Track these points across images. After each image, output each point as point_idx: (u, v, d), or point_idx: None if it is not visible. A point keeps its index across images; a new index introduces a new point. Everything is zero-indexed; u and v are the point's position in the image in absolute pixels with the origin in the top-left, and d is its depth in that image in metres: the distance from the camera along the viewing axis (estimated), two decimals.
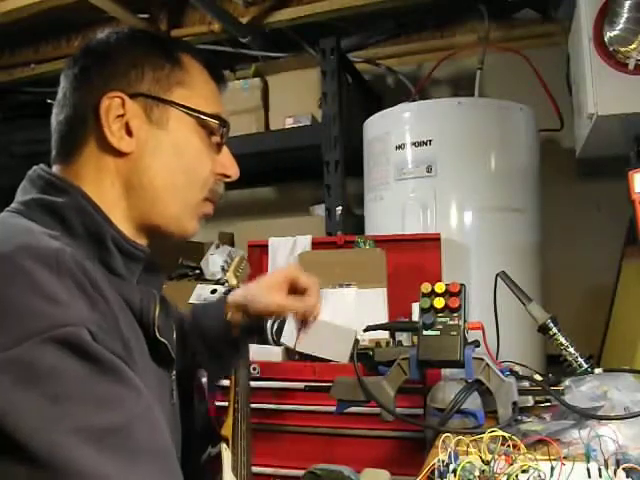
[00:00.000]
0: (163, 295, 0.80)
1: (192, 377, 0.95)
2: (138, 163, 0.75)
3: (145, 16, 2.41)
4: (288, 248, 1.91)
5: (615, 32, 1.51)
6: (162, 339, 0.74)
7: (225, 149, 0.83)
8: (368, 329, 1.26)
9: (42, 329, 0.54)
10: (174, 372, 0.80)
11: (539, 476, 0.67)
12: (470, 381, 0.97)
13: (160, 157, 0.76)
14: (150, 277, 0.80)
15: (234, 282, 1.24)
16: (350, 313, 1.67)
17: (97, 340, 0.57)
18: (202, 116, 0.78)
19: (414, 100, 2.35)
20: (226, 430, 0.87)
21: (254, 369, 1.51)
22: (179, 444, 0.80)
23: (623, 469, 0.67)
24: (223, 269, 1.33)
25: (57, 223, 0.69)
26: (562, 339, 1.16)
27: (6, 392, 0.51)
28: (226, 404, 1.02)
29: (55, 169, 0.76)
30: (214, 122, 0.79)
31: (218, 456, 0.86)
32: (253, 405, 1.24)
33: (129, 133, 0.74)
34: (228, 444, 0.85)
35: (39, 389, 0.52)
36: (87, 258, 0.66)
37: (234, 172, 0.83)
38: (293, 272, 1.04)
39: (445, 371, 1.19)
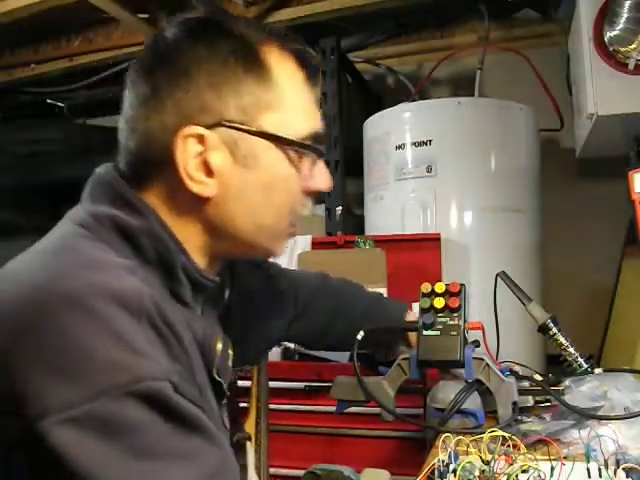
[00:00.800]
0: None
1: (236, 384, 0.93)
2: (220, 207, 0.66)
3: (145, 16, 2.41)
4: (288, 248, 1.91)
5: (615, 32, 1.50)
6: (219, 379, 0.70)
7: (319, 162, 0.72)
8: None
9: (124, 383, 0.51)
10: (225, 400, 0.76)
11: (539, 476, 0.67)
12: (470, 381, 0.97)
13: (246, 199, 0.66)
14: (209, 307, 0.75)
15: None
16: None
17: (178, 391, 0.54)
18: (298, 143, 0.67)
19: (414, 100, 2.35)
20: (249, 427, 0.87)
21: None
22: None
23: (623, 469, 0.67)
24: None
25: (129, 246, 0.62)
26: (562, 339, 1.16)
27: (89, 447, 0.49)
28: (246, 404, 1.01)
29: (123, 176, 0.67)
30: (312, 146, 0.69)
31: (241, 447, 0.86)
32: None
33: (209, 172, 0.64)
34: (251, 441, 0.84)
35: (123, 444, 0.50)
36: (158, 285, 0.62)
37: (327, 186, 0.74)
38: None
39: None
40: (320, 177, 0.72)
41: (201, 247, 0.69)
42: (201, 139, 0.63)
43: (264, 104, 0.65)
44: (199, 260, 0.69)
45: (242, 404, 1.02)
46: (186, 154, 0.63)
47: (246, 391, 0.95)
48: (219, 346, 0.69)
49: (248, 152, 0.65)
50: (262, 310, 0.93)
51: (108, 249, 0.61)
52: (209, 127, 0.63)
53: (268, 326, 0.96)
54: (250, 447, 0.84)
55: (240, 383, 1.22)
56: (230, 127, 0.64)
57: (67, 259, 0.58)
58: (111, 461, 0.49)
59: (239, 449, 0.82)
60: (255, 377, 0.97)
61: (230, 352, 0.75)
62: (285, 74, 0.67)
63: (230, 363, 0.75)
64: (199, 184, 0.64)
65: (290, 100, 0.67)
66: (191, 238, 0.68)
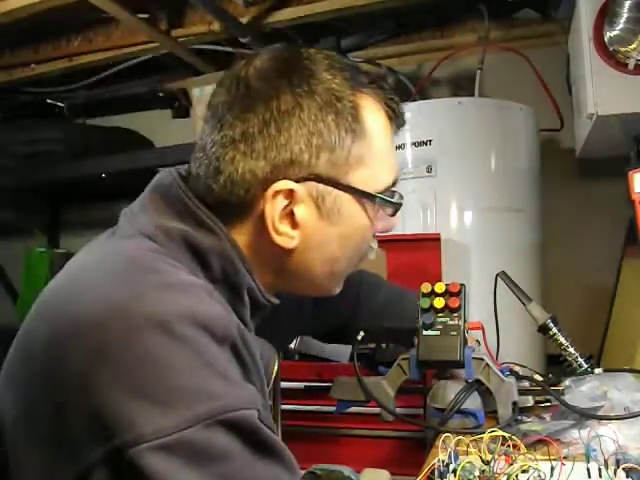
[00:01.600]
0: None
1: None
2: (299, 257, 0.67)
3: (145, 16, 2.41)
4: None
5: (615, 32, 1.50)
6: (270, 403, 0.73)
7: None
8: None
9: (218, 411, 0.51)
10: None
11: (539, 476, 0.67)
12: (470, 381, 0.97)
13: (324, 250, 0.67)
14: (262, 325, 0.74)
15: None
16: None
17: (262, 420, 0.55)
18: (380, 197, 0.67)
19: (414, 100, 2.35)
20: None
21: None
22: None
23: (623, 469, 0.67)
24: None
25: (197, 264, 0.62)
26: (562, 339, 1.16)
27: (180, 474, 0.49)
28: None
29: (192, 186, 0.66)
30: (393, 201, 0.69)
31: None
32: None
33: (294, 224, 0.64)
34: None
35: (212, 471, 0.50)
36: (225, 303, 0.62)
37: (394, 228, 0.75)
38: None
39: None
40: (392, 220, 0.72)
41: (267, 282, 0.69)
42: (290, 193, 0.63)
43: (355, 160, 0.64)
44: (263, 284, 0.68)
45: None
46: (275, 208, 0.62)
47: None
48: (275, 368, 0.72)
49: (333, 206, 0.65)
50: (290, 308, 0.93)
51: (179, 265, 0.60)
52: (299, 180, 0.62)
53: (295, 322, 0.98)
54: None
55: None
56: (320, 181, 0.63)
57: (146, 279, 0.56)
58: None
59: None
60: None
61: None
62: (378, 129, 0.67)
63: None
64: (284, 236, 0.64)
65: (379, 154, 0.67)
66: (261, 276, 0.67)
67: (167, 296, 0.54)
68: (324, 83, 0.64)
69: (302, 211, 0.64)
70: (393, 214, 0.72)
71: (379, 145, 0.67)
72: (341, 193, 0.64)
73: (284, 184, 0.62)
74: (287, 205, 0.63)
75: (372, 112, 0.67)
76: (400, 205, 0.71)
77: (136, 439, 0.48)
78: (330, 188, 0.64)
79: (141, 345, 0.50)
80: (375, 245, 0.74)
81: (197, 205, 0.64)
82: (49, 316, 0.57)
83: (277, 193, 0.62)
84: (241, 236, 0.66)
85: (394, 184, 0.70)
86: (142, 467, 0.48)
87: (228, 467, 0.51)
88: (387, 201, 0.68)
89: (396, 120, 0.71)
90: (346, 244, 0.68)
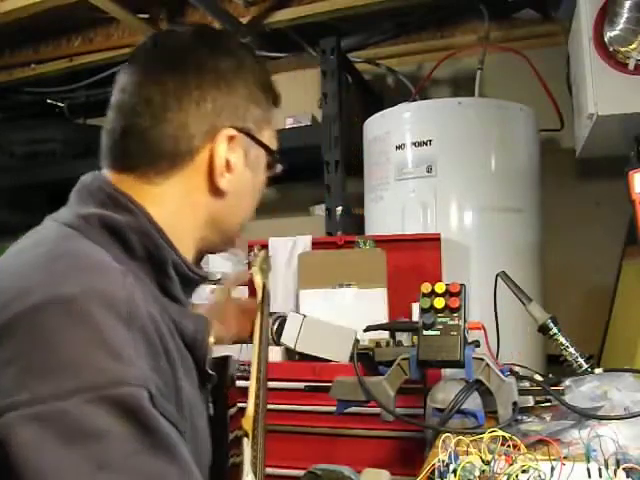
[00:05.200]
0: None
1: (223, 378, 0.94)
2: (228, 202, 0.73)
3: (145, 16, 2.41)
4: (288, 248, 1.91)
5: (615, 32, 1.51)
6: (212, 373, 0.72)
7: None
8: (368, 329, 1.26)
9: (99, 385, 0.50)
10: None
11: (539, 476, 0.67)
12: (470, 381, 0.97)
13: (244, 197, 0.76)
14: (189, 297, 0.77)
15: (258, 278, 1.24)
16: (350, 313, 1.67)
17: (155, 404, 0.52)
18: (275, 156, 0.78)
19: (414, 100, 2.35)
20: (246, 424, 0.87)
21: None
22: (210, 453, 0.77)
23: (623, 469, 0.67)
24: (248, 264, 1.32)
25: (118, 244, 0.64)
26: (562, 339, 1.16)
27: (46, 447, 0.47)
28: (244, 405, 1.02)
29: (113, 179, 0.69)
30: (280, 160, 0.80)
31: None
32: None
33: (229, 171, 0.72)
34: (248, 437, 0.85)
35: (84, 450, 0.48)
36: (147, 281, 0.64)
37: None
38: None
39: (445, 371, 1.19)
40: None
41: (194, 245, 0.73)
42: (232, 139, 0.71)
43: (267, 120, 0.76)
44: (189, 256, 0.72)
45: (241, 404, 1.02)
46: (221, 149, 0.70)
47: (246, 390, 0.95)
48: (211, 340, 0.72)
49: (256, 157, 0.75)
50: None
51: (99, 248, 0.62)
52: (237, 131, 0.72)
53: None
54: (247, 444, 0.84)
55: (241, 383, 1.23)
56: (248, 135, 0.73)
57: (66, 263, 0.58)
58: (68, 465, 0.47)
59: (236, 445, 0.83)
60: (254, 375, 0.97)
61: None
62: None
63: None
64: (222, 178, 0.71)
65: (273, 120, 0.79)
66: (188, 235, 0.72)
67: (82, 278, 0.56)
68: (248, 58, 0.76)
69: (235, 158, 0.72)
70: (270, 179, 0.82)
71: (273, 113, 0.79)
72: (259, 147, 0.75)
73: (230, 131, 0.71)
74: (227, 151, 0.71)
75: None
76: (278, 171, 0.81)
77: (9, 405, 0.48)
78: (254, 141, 0.74)
79: (48, 323, 0.52)
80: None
81: (113, 187, 0.68)
82: None
83: (224, 137, 0.70)
84: (179, 191, 0.70)
85: (280, 160, 0.81)
86: (10, 435, 0.47)
87: (104, 450, 0.48)
88: (277, 162, 0.79)
89: (277, 95, 0.81)
90: (254, 195, 0.78)
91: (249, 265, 1.30)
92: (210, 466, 0.75)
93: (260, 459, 0.87)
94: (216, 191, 0.71)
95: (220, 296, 1.21)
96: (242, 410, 0.90)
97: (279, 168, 0.81)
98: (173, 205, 0.70)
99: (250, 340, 1.25)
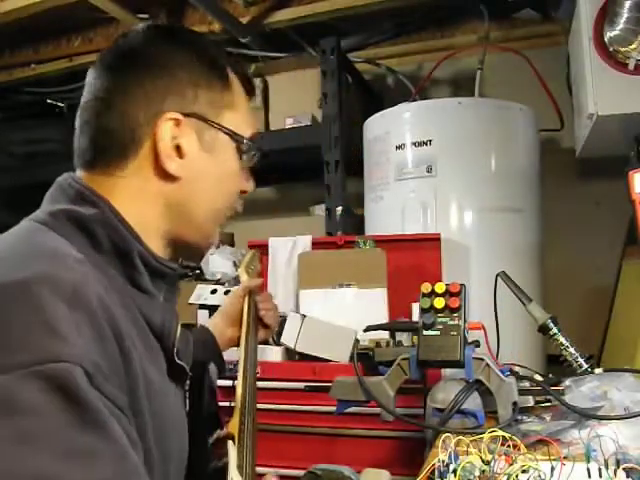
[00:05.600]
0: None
1: (202, 380, 0.95)
2: (184, 188, 0.73)
3: (145, 16, 2.41)
4: (288, 248, 1.91)
5: (615, 32, 1.51)
6: (181, 362, 0.74)
7: (248, 168, 0.83)
8: (368, 329, 1.26)
9: (32, 361, 0.50)
10: (188, 382, 0.80)
11: (539, 476, 0.67)
12: (470, 381, 0.97)
13: (205, 183, 0.75)
14: (170, 293, 0.78)
15: (245, 278, 1.24)
16: (350, 313, 1.67)
17: (93, 382, 0.53)
18: (245, 141, 0.77)
19: (414, 100, 2.35)
20: (232, 428, 0.87)
21: None
22: (186, 447, 0.79)
23: (623, 469, 0.67)
24: (235, 265, 1.33)
25: (85, 237, 0.66)
26: (562, 339, 1.16)
27: None
28: (228, 404, 1.02)
29: (84, 177, 0.72)
30: (253, 146, 0.79)
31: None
32: None
33: (180, 155, 0.72)
34: (234, 441, 0.85)
35: (10, 423, 0.48)
36: (113, 274, 0.65)
37: (251, 187, 0.84)
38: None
39: (445, 371, 1.19)
40: (249, 180, 0.83)
41: (159, 235, 0.74)
42: (178, 123, 0.71)
43: (225, 103, 0.76)
44: (156, 247, 0.73)
45: (225, 403, 1.03)
46: (166, 134, 0.71)
47: (233, 390, 0.96)
48: (179, 330, 0.73)
49: (212, 140, 0.75)
50: None
51: (65, 244, 0.64)
52: (185, 115, 0.72)
53: None
54: (232, 446, 0.84)
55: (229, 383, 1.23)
56: (201, 118, 0.73)
57: (21, 250, 0.62)
58: None
59: (219, 447, 0.83)
60: (241, 375, 0.97)
61: (191, 337, 0.83)
62: (237, 85, 0.79)
63: (191, 347, 0.82)
64: (172, 163, 0.71)
65: (241, 106, 0.79)
66: (150, 225, 0.72)
67: (30, 263, 0.58)
68: (205, 45, 0.78)
69: (186, 142, 0.72)
70: (251, 168, 0.82)
71: (240, 99, 0.79)
72: (217, 130, 0.75)
73: (173, 114, 0.71)
74: (175, 136, 0.71)
75: (233, 74, 0.79)
76: (257, 158, 0.81)
77: None
78: (208, 125, 0.74)
79: None
80: (240, 202, 0.84)
81: (81, 184, 0.70)
82: None
83: (167, 120, 0.71)
84: (133, 182, 0.72)
85: (254, 142, 0.80)
86: None
87: (32, 423, 0.49)
88: (250, 147, 0.78)
89: (249, 87, 0.83)
90: (222, 180, 0.77)
91: (236, 265, 1.31)
92: (190, 464, 0.78)
93: (249, 462, 0.87)
94: (167, 176, 0.72)
95: (235, 300, 1.22)
96: (230, 410, 0.91)
97: (256, 155, 0.80)
98: (132, 196, 0.71)
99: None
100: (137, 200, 0.72)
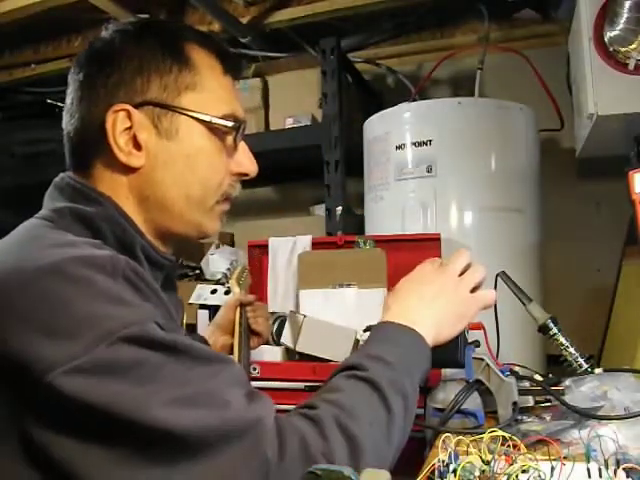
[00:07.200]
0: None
1: None
2: (150, 177, 0.73)
3: (145, 16, 2.41)
4: (288, 248, 1.91)
5: (615, 32, 1.50)
6: None
7: (242, 146, 0.80)
8: (368, 329, 1.25)
9: (113, 330, 0.56)
10: None
11: (539, 476, 0.67)
12: (470, 381, 0.97)
13: (172, 170, 0.74)
14: (169, 282, 0.81)
15: (237, 290, 1.26)
16: (350, 313, 1.67)
17: (165, 329, 0.60)
18: (214, 120, 0.75)
19: (414, 100, 2.35)
20: None
21: (254, 369, 1.51)
22: None
23: (623, 469, 0.67)
24: (226, 277, 1.33)
25: (89, 232, 0.69)
26: (562, 339, 1.16)
27: (95, 389, 0.54)
28: None
29: (78, 177, 0.75)
30: (227, 124, 0.76)
31: None
32: None
33: (138, 147, 0.72)
34: None
35: (128, 377, 0.55)
36: None
37: (252, 170, 0.81)
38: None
39: (445, 371, 1.19)
40: (244, 160, 0.80)
41: (145, 227, 0.75)
42: (128, 115, 0.71)
43: (183, 85, 0.74)
44: (153, 241, 0.75)
45: None
46: (116, 128, 0.71)
47: None
48: (184, 320, 0.79)
49: (169, 126, 0.73)
50: None
51: (70, 235, 0.66)
52: (136, 106, 0.72)
53: None
54: None
55: None
56: (154, 105, 0.72)
57: (35, 244, 0.63)
58: (119, 394, 0.54)
59: None
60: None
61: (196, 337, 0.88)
62: (204, 64, 0.76)
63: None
64: (128, 155, 0.72)
65: (209, 83, 0.76)
66: (135, 216, 0.74)
67: (54, 251, 0.61)
68: (159, 33, 0.77)
69: (142, 133, 0.72)
70: (239, 148, 0.79)
71: (207, 78, 0.76)
72: (175, 114, 0.73)
73: (121, 106, 0.71)
74: (129, 128, 0.71)
75: (201, 54, 0.77)
76: (237, 132, 0.77)
77: (50, 366, 0.53)
78: (163, 110, 0.73)
79: (37, 290, 0.56)
80: (237, 185, 0.81)
81: (81, 183, 0.73)
82: None
83: (116, 113, 0.71)
84: (105, 177, 0.74)
85: (235, 120, 0.77)
86: (62, 390, 0.53)
87: (144, 370, 0.56)
88: (221, 118, 0.75)
89: (226, 62, 0.79)
90: (194, 165, 0.75)
91: (226, 277, 1.33)
92: None
93: None
94: (129, 169, 0.73)
95: (226, 310, 1.25)
96: None
97: (238, 131, 0.78)
98: (112, 192, 0.73)
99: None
100: (116, 196, 0.73)
